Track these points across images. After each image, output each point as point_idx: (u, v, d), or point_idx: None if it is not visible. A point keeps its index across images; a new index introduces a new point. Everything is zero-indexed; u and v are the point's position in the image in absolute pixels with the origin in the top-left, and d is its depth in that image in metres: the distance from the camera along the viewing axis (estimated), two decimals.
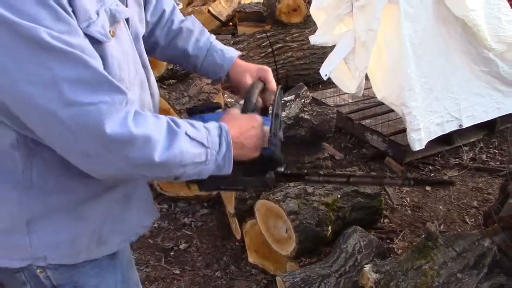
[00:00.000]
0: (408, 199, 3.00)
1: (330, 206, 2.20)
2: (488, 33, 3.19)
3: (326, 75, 3.33)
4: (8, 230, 1.04)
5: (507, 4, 3.29)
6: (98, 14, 0.92)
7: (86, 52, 0.87)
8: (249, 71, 1.33)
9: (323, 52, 4.36)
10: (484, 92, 3.43)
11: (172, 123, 0.97)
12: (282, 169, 1.20)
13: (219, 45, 1.36)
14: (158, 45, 1.34)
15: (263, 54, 4.54)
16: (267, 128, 1.17)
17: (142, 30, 1.17)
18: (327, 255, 2.17)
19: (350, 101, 4.06)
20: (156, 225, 2.86)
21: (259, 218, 2.28)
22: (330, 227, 2.18)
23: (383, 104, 3.79)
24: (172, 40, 1.34)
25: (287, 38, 4.65)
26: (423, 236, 1.91)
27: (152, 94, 1.16)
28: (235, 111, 1.18)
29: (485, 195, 3.00)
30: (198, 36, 1.34)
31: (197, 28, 1.35)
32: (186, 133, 0.98)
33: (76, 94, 0.85)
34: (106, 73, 0.89)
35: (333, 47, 3.40)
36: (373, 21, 3.04)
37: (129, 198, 1.15)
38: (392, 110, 3.67)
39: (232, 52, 1.36)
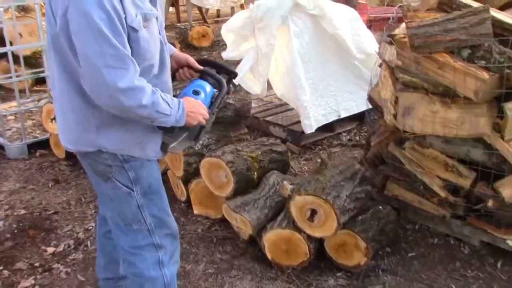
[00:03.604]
0: (306, 167, 4.01)
1: (254, 159, 3.12)
2: (352, 46, 4.38)
3: (237, 82, 4.31)
4: (85, 130, 1.81)
5: (364, 25, 4.53)
6: (136, 16, 1.73)
7: (120, 42, 1.60)
8: (176, 58, 2.13)
9: (232, 65, 5.35)
10: (354, 91, 4.58)
11: (154, 89, 1.75)
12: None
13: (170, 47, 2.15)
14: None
15: None
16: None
17: (163, 22, 2.00)
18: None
19: (254, 105, 5.06)
20: None
21: (203, 173, 3.13)
22: (255, 173, 3.10)
23: (281, 105, 4.87)
24: None
25: None
26: (318, 161, 2.90)
27: (168, 74, 1.98)
28: (191, 98, 1.97)
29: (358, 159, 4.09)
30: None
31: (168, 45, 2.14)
32: (160, 95, 1.77)
33: (111, 61, 1.60)
34: (128, 53, 1.62)
35: (240, 60, 4.40)
36: (271, 38, 4.10)
37: (154, 130, 1.92)
38: (288, 109, 4.75)
39: (173, 49, 2.17)
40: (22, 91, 4.69)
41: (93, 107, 1.76)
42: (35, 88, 5.75)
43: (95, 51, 1.57)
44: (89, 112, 1.79)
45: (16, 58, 4.33)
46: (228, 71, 2.19)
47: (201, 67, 2.12)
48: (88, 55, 1.58)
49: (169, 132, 1.92)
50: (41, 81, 5.61)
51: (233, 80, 2.19)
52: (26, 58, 5.10)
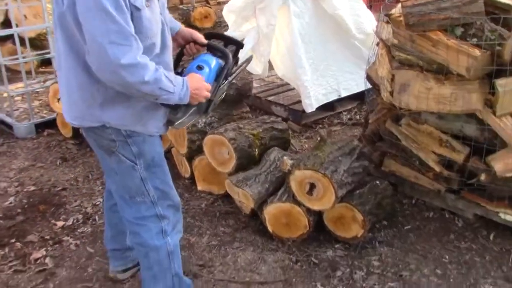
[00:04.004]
0: (306, 145, 4.12)
1: (256, 136, 3.22)
2: (352, 26, 4.45)
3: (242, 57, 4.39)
4: (90, 106, 1.90)
5: (364, 5, 4.59)
6: None
7: (123, 20, 1.68)
8: (182, 34, 2.22)
9: None
10: (354, 71, 4.65)
11: (157, 67, 1.82)
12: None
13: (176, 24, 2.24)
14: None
15: None
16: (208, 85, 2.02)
17: (165, 3, 2.08)
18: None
19: (256, 85, 5.15)
20: None
21: (206, 150, 3.23)
22: (257, 149, 3.20)
23: (282, 85, 4.96)
24: None
25: None
26: (318, 139, 3.00)
27: (169, 54, 2.05)
28: (196, 75, 2.04)
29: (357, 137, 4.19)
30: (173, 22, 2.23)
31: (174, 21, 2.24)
32: (163, 73, 1.84)
33: (114, 37, 1.68)
34: (131, 31, 1.69)
35: (241, 41, 4.47)
36: (272, 18, 4.17)
37: (156, 107, 2.01)
38: (289, 89, 4.83)
39: (178, 25, 2.26)
40: (28, 73, 4.78)
41: (98, 83, 1.84)
42: (41, 69, 5.84)
43: (99, 28, 1.66)
44: (94, 89, 1.87)
45: (21, 40, 4.42)
46: (234, 42, 2.23)
47: (205, 41, 2.17)
48: (93, 32, 1.67)
49: (174, 109, 1.99)
50: (46, 62, 5.71)
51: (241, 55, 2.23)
52: (31, 40, 5.19)
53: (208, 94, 2.00)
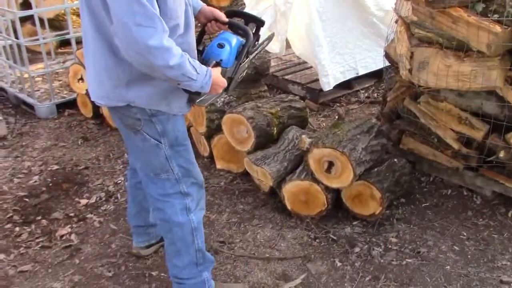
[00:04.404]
0: (324, 123, 4.13)
1: (274, 115, 3.25)
2: (371, 3, 4.41)
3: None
4: (116, 86, 1.94)
5: None
6: None
7: (149, 2, 1.70)
8: (203, 13, 2.22)
9: None
10: (372, 48, 4.64)
11: (183, 53, 1.84)
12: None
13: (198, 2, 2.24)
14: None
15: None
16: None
17: None
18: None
19: (273, 64, 5.15)
20: None
21: (225, 129, 3.27)
22: (275, 128, 3.23)
23: (299, 63, 4.95)
24: None
25: None
26: (336, 117, 3.01)
27: (192, 34, 2.07)
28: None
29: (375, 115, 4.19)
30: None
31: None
32: (188, 59, 1.87)
33: (140, 19, 1.70)
34: (156, 12, 1.72)
35: None
36: None
37: (178, 88, 2.04)
38: (306, 67, 4.83)
39: (201, 4, 2.27)
40: (47, 53, 4.84)
41: (124, 64, 1.88)
42: (60, 50, 5.90)
43: (125, 10, 1.68)
44: (119, 69, 1.91)
45: (40, 21, 4.46)
46: (255, 19, 2.22)
47: (226, 20, 2.17)
48: (119, 13, 1.70)
49: (195, 95, 2.01)
50: (65, 43, 5.75)
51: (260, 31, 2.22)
52: (50, 20, 5.22)
53: (224, 85, 2.02)
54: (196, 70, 1.85)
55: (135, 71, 1.89)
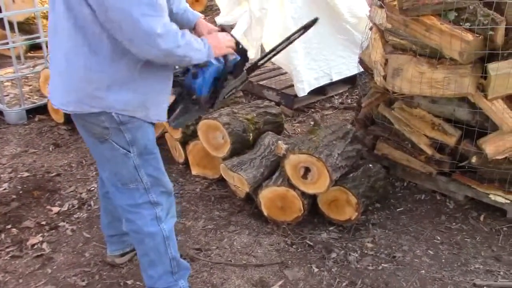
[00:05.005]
0: (299, 129, 4.14)
1: (250, 121, 3.24)
2: (344, 10, 4.46)
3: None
4: (96, 89, 1.87)
5: None
6: None
7: None
8: (201, 25, 2.25)
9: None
10: (346, 55, 4.68)
11: (182, 31, 1.87)
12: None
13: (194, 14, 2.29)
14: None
15: None
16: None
17: None
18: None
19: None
20: None
21: (201, 135, 3.24)
22: (251, 134, 3.22)
23: (274, 69, 4.97)
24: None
25: None
26: (311, 123, 3.02)
27: None
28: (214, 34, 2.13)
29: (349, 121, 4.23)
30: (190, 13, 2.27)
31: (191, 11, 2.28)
32: (188, 34, 1.89)
33: (146, 9, 1.73)
34: (161, 3, 1.76)
35: (233, 25, 4.46)
36: (264, 2, 4.16)
37: (160, 94, 2.04)
38: (281, 73, 4.84)
39: (197, 16, 2.29)
40: (17, 58, 4.73)
41: (108, 65, 1.83)
42: (29, 54, 5.77)
43: (131, 2, 1.68)
44: (103, 70, 1.84)
45: (10, 25, 4.36)
46: (242, 52, 2.19)
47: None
48: (125, 7, 1.68)
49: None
50: (35, 47, 5.63)
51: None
52: (19, 24, 5.11)
53: (231, 45, 2.11)
54: (197, 41, 1.93)
55: (119, 73, 1.86)
